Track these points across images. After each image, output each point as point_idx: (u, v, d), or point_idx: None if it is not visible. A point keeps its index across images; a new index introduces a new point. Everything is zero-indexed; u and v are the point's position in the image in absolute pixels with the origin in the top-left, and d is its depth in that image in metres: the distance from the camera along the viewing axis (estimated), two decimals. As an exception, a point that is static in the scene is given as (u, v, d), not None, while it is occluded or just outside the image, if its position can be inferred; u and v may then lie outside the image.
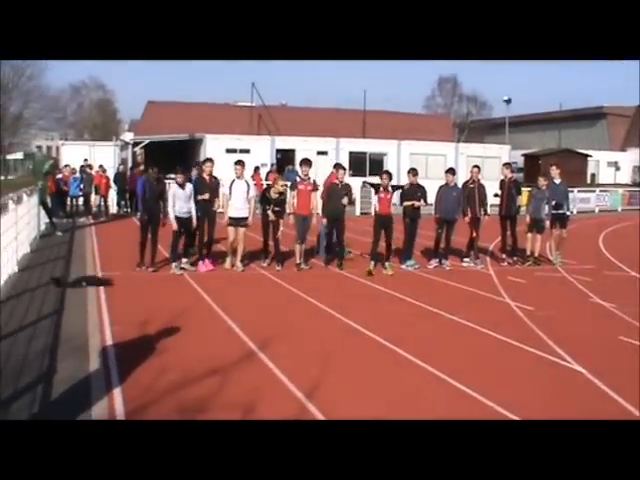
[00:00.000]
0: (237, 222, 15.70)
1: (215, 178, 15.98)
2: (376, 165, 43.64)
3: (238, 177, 15.86)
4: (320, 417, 6.92)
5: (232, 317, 11.14)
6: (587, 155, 74.86)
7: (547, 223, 17.95)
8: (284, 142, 43.62)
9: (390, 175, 16.66)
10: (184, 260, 15.48)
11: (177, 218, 15.11)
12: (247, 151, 40.23)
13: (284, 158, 41.46)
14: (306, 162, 16.73)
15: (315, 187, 16.53)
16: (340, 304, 12.30)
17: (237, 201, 15.68)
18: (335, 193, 16.32)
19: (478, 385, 8.03)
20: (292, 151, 42.03)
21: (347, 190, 16.59)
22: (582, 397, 7.95)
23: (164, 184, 16.13)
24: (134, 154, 45.21)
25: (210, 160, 16.48)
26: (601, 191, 46.90)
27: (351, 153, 43.74)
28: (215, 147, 39.73)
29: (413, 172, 17.06)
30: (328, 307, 12.11)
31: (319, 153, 41.68)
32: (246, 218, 15.80)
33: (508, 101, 73.77)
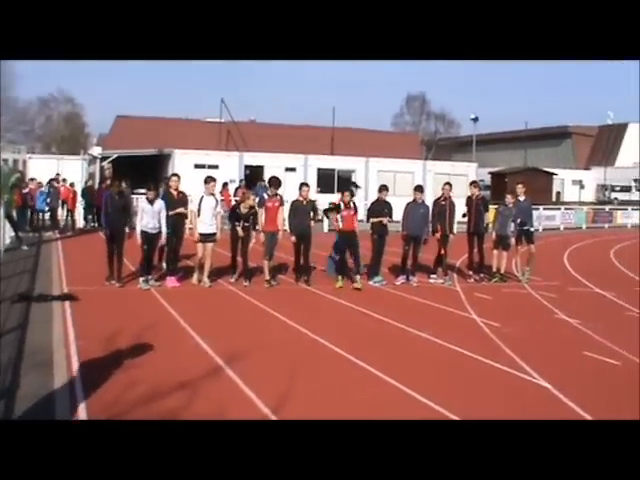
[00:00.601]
0: (205, 238, 15.68)
1: (183, 193, 15.94)
2: (344, 182, 43.73)
3: (208, 194, 15.87)
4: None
5: (199, 332, 11.10)
6: (552, 173, 75.70)
7: (513, 240, 18.13)
8: (253, 158, 43.60)
9: (351, 192, 17.00)
10: (149, 277, 15.38)
11: (143, 233, 15.00)
12: (216, 167, 40.12)
13: (253, 174, 41.43)
14: (275, 181, 16.70)
15: (282, 203, 16.52)
16: (307, 320, 12.30)
17: (206, 217, 15.67)
18: (300, 210, 16.36)
19: (442, 399, 8.06)
20: (261, 167, 42.02)
21: (312, 207, 16.69)
22: (547, 412, 8.00)
23: (128, 198, 16.23)
24: (102, 168, 44.91)
25: (176, 175, 16.47)
26: (566, 209, 47.42)
27: (319, 170, 43.83)
28: (184, 162, 39.61)
29: (383, 189, 17.22)
30: (295, 323, 12.11)
31: (287, 169, 41.71)
32: (214, 234, 15.81)
33: (475, 119, 74.50)
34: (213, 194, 16.05)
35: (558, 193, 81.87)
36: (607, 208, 51.59)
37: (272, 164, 41.57)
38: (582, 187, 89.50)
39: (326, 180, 43.60)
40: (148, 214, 15.07)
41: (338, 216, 16.50)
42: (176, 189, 15.90)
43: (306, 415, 7.48)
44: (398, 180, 42.26)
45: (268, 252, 16.14)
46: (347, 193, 16.74)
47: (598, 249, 29.49)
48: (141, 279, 15.21)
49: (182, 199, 15.83)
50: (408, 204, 17.42)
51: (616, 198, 76.81)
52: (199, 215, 15.66)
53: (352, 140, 63.50)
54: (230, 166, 41.17)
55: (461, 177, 44.92)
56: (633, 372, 9.73)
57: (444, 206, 17.46)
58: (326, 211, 18.13)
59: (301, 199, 16.68)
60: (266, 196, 16.97)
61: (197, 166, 39.44)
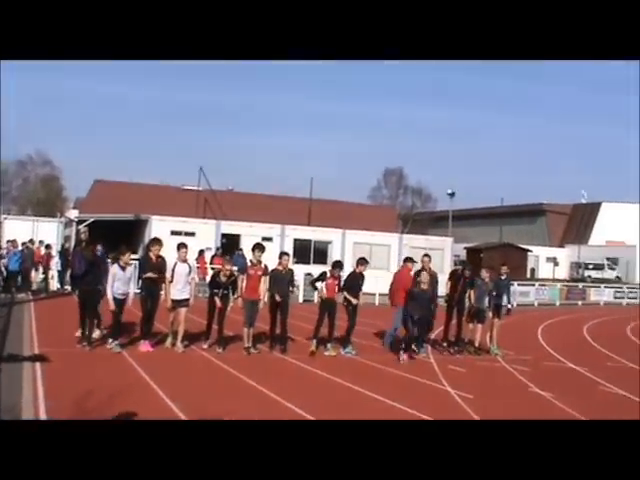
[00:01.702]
0: (178, 303, 15.70)
1: (162, 259, 15.88)
2: (320, 253, 43.95)
3: (181, 260, 15.93)
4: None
5: (170, 396, 10.99)
6: (527, 250, 76.47)
7: (489, 313, 18.24)
8: (230, 227, 43.74)
9: (341, 267, 17.28)
10: (115, 342, 15.26)
11: (114, 298, 15.02)
12: (192, 234, 40.20)
13: (229, 243, 41.51)
14: (259, 247, 16.75)
15: (265, 272, 16.49)
16: (279, 387, 12.23)
17: (178, 283, 15.72)
18: (279, 279, 16.41)
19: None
20: (237, 236, 42.14)
21: (290, 276, 16.76)
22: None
23: (101, 262, 16.29)
24: (78, 232, 44.79)
25: (158, 241, 16.23)
26: (540, 285, 47.77)
27: (296, 240, 44.00)
28: (160, 229, 39.56)
29: (362, 262, 17.33)
30: (267, 389, 12.03)
31: (264, 239, 41.60)
32: (187, 299, 15.85)
33: (452, 194, 75.27)
34: (186, 260, 16.11)
35: (533, 269, 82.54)
36: (580, 285, 51.99)
37: (249, 233, 41.72)
38: (556, 264, 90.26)
39: (302, 251, 43.74)
40: (120, 280, 15.15)
41: (322, 284, 16.64)
42: (156, 255, 15.83)
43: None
44: (374, 253, 42.47)
45: (248, 320, 16.13)
46: (338, 269, 17.04)
47: (571, 325, 29.63)
48: (113, 342, 15.14)
49: (161, 264, 15.78)
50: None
51: (589, 276, 77.44)
52: (172, 281, 15.67)
53: (329, 212, 63.99)
54: (207, 234, 41.25)
55: (437, 251, 45.22)
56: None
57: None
58: (313, 282, 18.20)
59: (280, 268, 16.71)
60: (249, 263, 16.93)
61: (174, 233, 39.42)
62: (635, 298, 49.96)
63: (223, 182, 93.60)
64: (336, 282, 16.80)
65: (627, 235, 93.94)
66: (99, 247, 17.75)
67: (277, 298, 16.31)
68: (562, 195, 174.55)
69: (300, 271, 35.34)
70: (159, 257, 15.77)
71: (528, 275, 74.06)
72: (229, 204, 61.50)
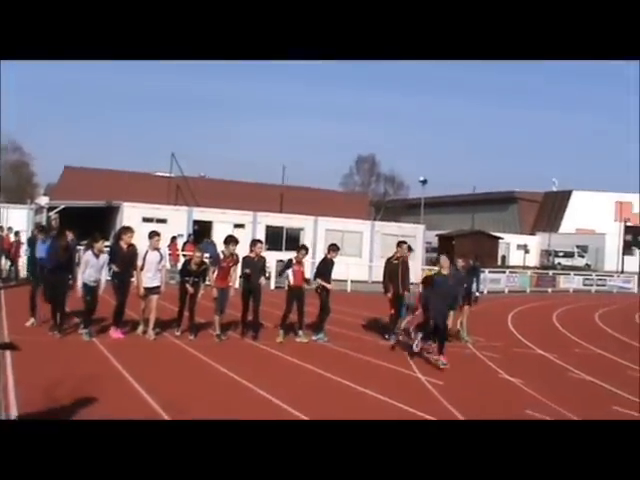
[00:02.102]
0: (149, 291, 15.69)
1: (133, 246, 15.76)
2: (293, 240, 43.90)
3: (153, 248, 15.91)
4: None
5: (141, 384, 10.99)
6: (498, 237, 76.94)
7: (460, 301, 18.33)
8: (202, 214, 43.57)
9: (306, 250, 17.27)
10: (90, 328, 15.25)
11: (85, 285, 14.90)
12: (164, 221, 39.98)
13: (201, 229, 41.37)
14: (232, 240, 16.72)
15: (236, 262, 16.58)
16: (249, 373, 12.27)
17: (149, 270, 15.67)
18: (251, 266, 16.43)
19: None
20: (209, 223, 41.99)
21: (263, 263, 16.82)
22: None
23: (72, 250, 16.12)
24: (49, 219, 44.49)
25: (129, 229, 16.09)
26: (511, 272, 48.18)
27: (268, 227, 43.91)
28: (132, 215, 39.34)
29: (333, 248, 17.36)
30: (237, 375, 12.07)
31: (236, 226, 41.69)
32: (158, 287, 15.82)
33: (424, 182, 75.60)
34: (157, 248, 16.04)
35: (503, 257, 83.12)
36: (551, 273, 52.44)
37: (221, 220, 41.60)
38: (527, 252, 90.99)
39: (275, 237, 43.69)
40: (92, 267, 14.98)
41: (289, 271, 16.64)
42: (127, 243, 15.68)
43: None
44: (346, 240, 42.52)
45: (219, 307, 16.21)
46: (303, 252, 17.06)
47: (541, 312, 29.89)
48: (84, 330, 15.09)
49: (132, 252, 15.70)
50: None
51: (559, 263, 78.21)
52: (142, 269, 15.62)
53: (301, 199, 63.94)
54: (178, 221, 41.05)
55: (409, 238, 45.30)
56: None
57: (396, 265, 17.51)
58: (281, 272, 18.31)
59: (253, 255, 16.74)
60: (221, 255, 16.89)
61: (145, 219, 39.21)
62: (604, 285, 50.54)
63: (195, 169, 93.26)
64: (302, 269, 16.90)
65: (597, 223, 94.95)
66: (70, 234, 17.59)
67: (247, 271, 16.49)
68: (533, 183, 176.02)
69: (272, 258, 35.31)
70: (130, 245, 15.66)
71: (499, 262, 74.55)
72: (201, 191, 61.33)
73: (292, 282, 16.68)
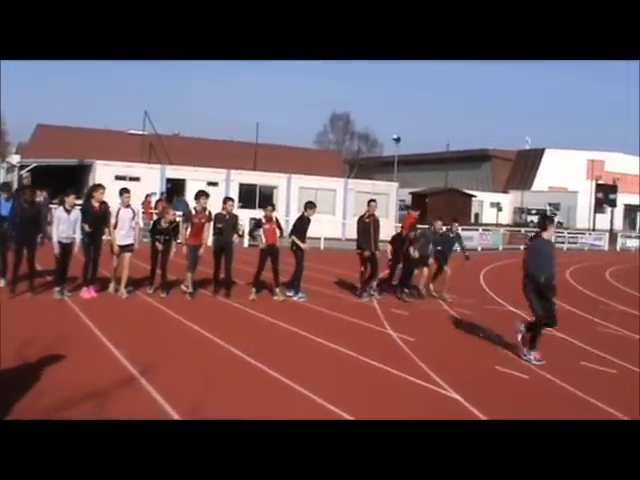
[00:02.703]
0: (122, 249, 15.58)
1: (105, 204, 15.58)
2: (266, 198, 43.82)
3: (125, 206, 15.75)
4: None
5: (113, 342, 10.99)
6: (472, 195, 77.22)
7: (431, 260, 18.43)
8: (175, 172, 43.34)
9: (273, 207, 17.34)
10: (63, 287, 15.16)
11: (59, 242, 14.73)
12: (137, 179, 39.74)
13: (174, 187, 41.22)
14: (203, 194, 16.63)
15: (209, 218, 16.49)
16: (223, 331, 12.30)
17: (122, 228, 15.57)
18: (223, 223, 16.39)
19: (357, 411, 8.18)
20: (182, 181, 41.83)
21: (235, 221, 16.81)
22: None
23: (41, 208, 15.83)
24: (20, 177, 44.11)
25: (101, 186, 15.81)
26: (484, 230, 48.38)
27: (241, 185, 43.79)
28: (104, 174, 39.07)
29: (310, 206, 17.40)
30: (210, 333, 12.10)
31: (209, 184, 41.50)
32: (131, 245, 15.74)
33: (397, 140, 75.57)
34: (129, 205, 15.91)
35: (477, 214, 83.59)
36: (523, 230, 52.73)
37: (194, 178, 41.43)
38: (500, 209, 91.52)
39: (248, 195, 43.59)
40: (64, 223, 14.77)
41: (260, 231, 16.64)
42: (99, 201, 15.42)
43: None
44: (320, 197, 42.56)
45: (191, 265, 16.24)
46: (269, 207, 17.06)
47: (513, 270, 30.01)
48: (56, 289, 15.02)
49: (104, 210, 15.50)
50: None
51: (532, 221, 78.62)
52: (116, 227, 15.50)
53: (275, 156, 63.72)
54: (152, 179, 40.80)
55: (382, 196, 45.48)
56: (541, 385, 10.06)
57: (368, 224, 17.52)
58: (251, 233, 18.33)
59: (224, 213, 16.69)
60: (193, 211, 16.72)
61: (118, 177, 38.96)
62: (575, 243, 51.00)
63: (168, 127, 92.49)
64: (273, 226, 16.80)
65: (569, 181, 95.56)
66: (43, 193, 17.41)
67: (219, 226, 16.45)
68: (507, 142, 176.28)
69: (245, 216, 35.26)
70: (102, 203, 15.50)
71: (472, 220, 74.93)
72: (174, 149, 60.87)
73: (265, 241, 16.66)
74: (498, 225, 70.24)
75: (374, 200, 18.10)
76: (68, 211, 14.85)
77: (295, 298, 16.81)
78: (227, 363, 10.34)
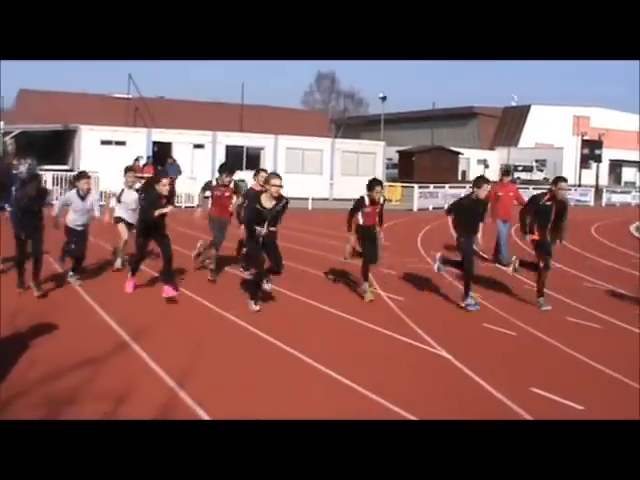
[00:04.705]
0: (130, 226, 14.20)
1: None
2: (253, 159, 43.76)
3: (129, 187, 14.45)
4: (191, 403, 7.15)
5: (105, 309, 11.14)
6: (458, 153, 77.24)
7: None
8: (161, 135, 43.10)
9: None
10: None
11: (69, 229, 12.95)
12: (123, 143, 39.57)
13: (161, 151, 41.08)
14: (226, 169, 14.66)
15: (235, 192, 14.45)
16: (212, 295, 12.43)
17: (127, 210, 14.34)
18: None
19: (347, 370, 8.39)
20: (169, 144, 41.65)
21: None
22: (448, 380, 8.42)
23: (40, 184, 13.01)
24: (4, 143, 43.83)
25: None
26: (471, 187, 48.38)
27: (228, 147, 43.65)
28: (90, 139, 38.93)
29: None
30: (200, 297, 12.24)
31: (196, 146, 41.41)
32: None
33: (383, 98, 75.48)
34: (132, 187, 14.45)
35: (464, 172, 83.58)
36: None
37: (180, 140, 41.24)
38: (487, 166, 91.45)
39: (235, 157, 43.51)
40: (78, 212, 12.89)
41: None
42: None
43: (210, 386, 7.73)
44: (306, 158, 42.57)
45: (218, 241, 14.33)
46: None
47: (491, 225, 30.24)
48: (70, 274, 13.22)
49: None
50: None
51: (519, 177, 78.66)
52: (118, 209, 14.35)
53: (261, 117, 63.51)
54: (138, 143, 40.58)
55: (369, 155, 45.54)
56: (528, 341, 10.30)
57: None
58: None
59: (258, 189, 13.87)
60: (214, 182, 14.48)
61: (104, 142, 38.85)
62: (562, 198, 51.14)
63: (153, 89, 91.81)
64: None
65: (555, 137, 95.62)
66: (29, 161, 17.13)
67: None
68: (493, 99, 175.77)
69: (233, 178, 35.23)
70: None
71: (459, 177, 75.00)
72: (160, 112, 60.52)
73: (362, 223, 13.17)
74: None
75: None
76: (82, 197, 12.90)
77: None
78: (215, 325, 10.52)
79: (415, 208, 38.69)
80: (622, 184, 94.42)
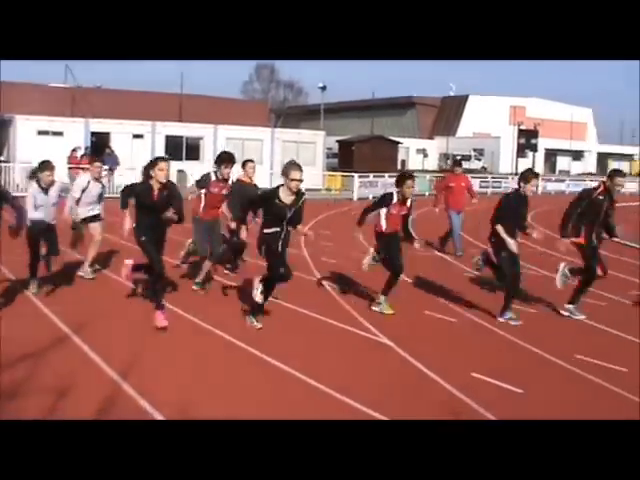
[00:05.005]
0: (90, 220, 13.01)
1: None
2: (193, 149, 43.53)
3: (94, 178, 12.91)
4: (134, 395, 7.15)
5: (45, 303, 11.01)
6: (398, 142, 77.63)
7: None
8: (99, 125, 42.54)
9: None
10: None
11: (31, 226, 11.17)
12: (60, 134, 38.97)
13: (99, 141, 40.57)
14: (227, 158, 12.10)
15: (230, 188, 12.45)
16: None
17: (87, 202, 12.91)
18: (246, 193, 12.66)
19: (288, 360, 8.48)
20: (107, 134, 41.17)
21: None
22: (389, 367, 8.56)
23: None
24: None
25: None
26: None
27: (168, 137, 43.34)
28: (26, 129, 38.28)
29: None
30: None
31: (135, 136, 41.05)
32: (98, 215, 13.06)
33: (323, 88, 75.61)
34: (98, 178, 12.98)
35: (403, 161, 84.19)
36: (449, 176, 53.34)
37: (119, 131, 40.81)
38: (426, 156, 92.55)
39: (175, 147, 43.21)
40: (41, 207, 11.36)
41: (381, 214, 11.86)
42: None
43: (153, 377, 7.74)
44: (246, 148, 42.47)
45: (207, 246, 12.26)
46: (410, 182, 11.50)
47: (439, 215, 30.60)
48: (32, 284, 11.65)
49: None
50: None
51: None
52: (78, 203, 12.69)
53: (201, 107, 63.10)
54: (76, 133, 40.01)
55: (309, 145, 45.66)
56: (469, 328, 10.51)
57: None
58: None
59: (246, 179, 13.54)
60: (213, 177, 12.09)
61: (41, 132, 38.26)
62: (499, 187, 51.94)
63: (91, 79, 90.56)
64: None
65: (492, 127, 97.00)
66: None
67: (232, 225, 11.99)
68: (431, 88, 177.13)
69: (173, 169, 35.06)
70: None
71: (399, 166, 75.51)
72: (98, 102, 59.74)
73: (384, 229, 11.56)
74: (424, 171, 71.07)
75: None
76: (45, 190, 11.38)
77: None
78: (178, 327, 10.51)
79: (355, 197, 38.94)
80: (557, 172, 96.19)
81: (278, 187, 9.80)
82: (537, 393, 7.77)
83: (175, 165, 34.27)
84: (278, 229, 9.77)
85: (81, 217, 12.79)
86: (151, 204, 9.76)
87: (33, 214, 11.19)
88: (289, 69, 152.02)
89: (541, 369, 8.76)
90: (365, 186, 40.96)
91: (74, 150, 33.68)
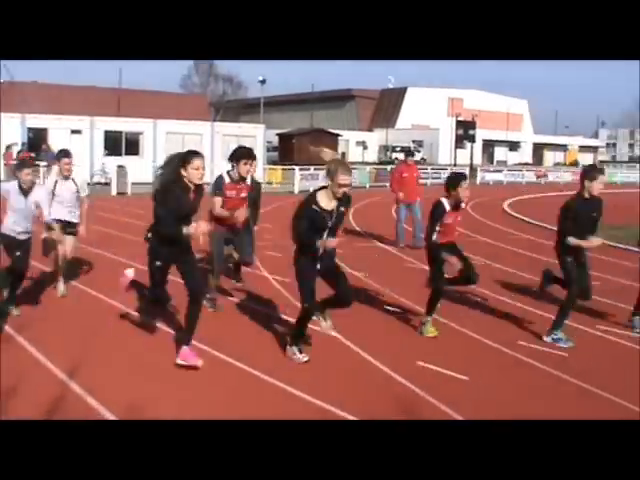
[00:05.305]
0: (64, 229, 11.17)
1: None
2: (132, 144, 43.20)
3: (65, 177, 11.17)
4: (83, 394, 7.11)
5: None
6: (337, 135, 77.94)
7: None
8: (36, 120, 41.93)
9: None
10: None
11: (6, 237, 9.72)
12: (-6, 130, 38.38)
13: (36, 137, 40.01)
14: (244, 154, 10.50)
15: (251, 189, 10.75)
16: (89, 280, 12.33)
17: (62, 204, 11.14)
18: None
19: (232, 350, 8.56)
20: (45, 130, 40.62)
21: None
22: (334, 357, 8.68)
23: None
24: None
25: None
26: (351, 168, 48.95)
27: (106, 132, 42.91)
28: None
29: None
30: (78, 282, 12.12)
31: (73, 132, 40.58)
32: (75, 224, 11.40)
33: (263, 82, 75.46)
34: (68, 177, 11.16)
35: (343, 154, 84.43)
36: (389, 168, 53.54)
37: (57, 126, 40.31)
38: (365, 148, 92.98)
39: (114, 143, 42.82)
40: (18, 212, 9.59)
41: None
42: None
43: (101, 376, 7.72)
44: (186, 142, 42.26)
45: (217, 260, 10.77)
46: (464, 182, 9.42)
47: (381, 207, 30.90)
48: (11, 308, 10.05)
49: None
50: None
51: (397, 158, 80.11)
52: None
53: (140, 102, 62.63)
54: (11, 129, 39.38)
55: (249, 138, 45.58)
56: (412, 318, 10.64)
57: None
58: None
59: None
60: (227, 179, 10.42)
61: (-27, 130, 37.60)
62: (439, 178, 52.43)
63: (25, 73, 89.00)
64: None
65: (431, 118, 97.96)
66: None
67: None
68: (370, 81, 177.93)
69: (112, 164, 34.78)
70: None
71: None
72: (34, 97, 58.88)
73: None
74: (364, 163, 71.46)
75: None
76: (24, 191, 9.60)
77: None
78: (107, 317, 10.43)
79: (296, 190, 38.98)
80: (494, 163, 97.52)
81: (315, 191, 8.30)
82: (481, 380, 7.93)
83: (114, 160, 34.02)
84: (317, 241, 8.18)
85: (57, 217, 10.70)
86: (186, 213, 7.96)
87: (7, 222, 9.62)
88: (228, 63, 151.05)
89: (486, 357, 8.92)
90: (306, 179, 41.05)
91: (9, 147, 33.17)
